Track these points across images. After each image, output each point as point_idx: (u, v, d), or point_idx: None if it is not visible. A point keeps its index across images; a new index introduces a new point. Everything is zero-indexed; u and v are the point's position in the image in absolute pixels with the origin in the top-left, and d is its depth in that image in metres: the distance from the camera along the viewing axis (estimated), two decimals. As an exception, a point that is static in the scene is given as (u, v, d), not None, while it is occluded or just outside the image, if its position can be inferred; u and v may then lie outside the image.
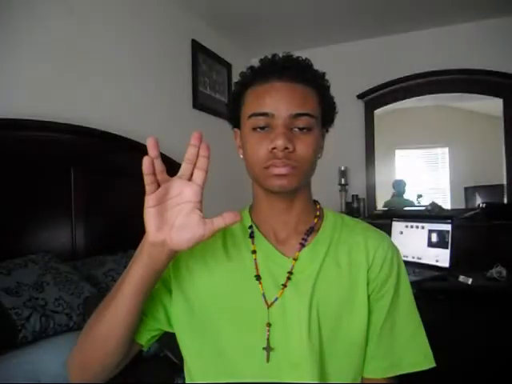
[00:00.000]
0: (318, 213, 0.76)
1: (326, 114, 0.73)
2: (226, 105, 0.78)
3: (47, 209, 1.72)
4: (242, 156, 0.73)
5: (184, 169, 0.57)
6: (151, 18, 2.44)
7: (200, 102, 2.84)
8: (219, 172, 2.92)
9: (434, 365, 0.70)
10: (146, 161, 0.53)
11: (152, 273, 0.60)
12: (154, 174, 0.54)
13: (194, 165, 0.57)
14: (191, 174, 0.57)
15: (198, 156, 0.57)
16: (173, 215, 0.56)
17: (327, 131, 0.77)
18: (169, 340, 0.80)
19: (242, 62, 3.35)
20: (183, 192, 0.56)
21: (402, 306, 0.71)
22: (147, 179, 0.54)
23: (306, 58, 0.71)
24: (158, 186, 0.55)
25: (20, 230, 1.61)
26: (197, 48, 2.83)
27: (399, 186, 3.30)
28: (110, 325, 0.62)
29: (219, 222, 0.56)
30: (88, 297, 1.45)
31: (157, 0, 2.49)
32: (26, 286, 1.32)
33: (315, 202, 0.78)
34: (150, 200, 0.54)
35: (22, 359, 1.17)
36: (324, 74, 0.72)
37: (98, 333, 0.63)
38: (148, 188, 0.54)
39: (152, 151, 0.53)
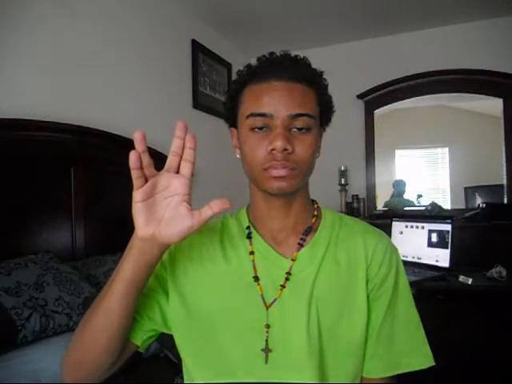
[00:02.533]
0: (315, 212, 0.75)
1: (324, 113, 0.72)
2: (223, 103, 0.77)
3: (47, 209, 1.72)
4: (238, 156, 0.73)
5: (170, 161, 0.56)
6: (151, 19, 2.44)
7: (200, 102, 2.84)
8: (219, 172, 2.92)
9: (433, 364, 0.70)
10: (132, 155, 0.52)
11: (143, 268, 0.59)
12: (141, 168, 0.53)
13: (181, 157, 0.56)
14: (178, 167, 0.56)
15: (183, 148, 0.55)
16: (161, 209, 0.55)
17: (324, 130, 0.76)
18: (168, 340, 0.80)
19: (242, 61, 3.32)
20: (171, 185, 0.55)
21: (401, 305, 0.71)
22: (134, 174, 0.53)
23: (304, 57, 0.71)
24: (146, 180, 0.54)
25: (20, 230, 1.61)
26: (197, 48, 2.83)
27: (399, 186, 3.30)
28: (103, 323, 0.61)
29: (207, 211, 0.55)
30: (88, 297, 1.45)
31: (157, 0, 2.49)
32: (26, 286, 1.32)
33: (313, 202, 0.78)
34: (137, 195, 0.54)
35: (22, 359, 1.17)
36: (322, 72, 0.72)
37: (90, 331, 0.62)
38: (135, 183, 0.53)
39: (139, 145, 0.52)
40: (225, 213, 0.72)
